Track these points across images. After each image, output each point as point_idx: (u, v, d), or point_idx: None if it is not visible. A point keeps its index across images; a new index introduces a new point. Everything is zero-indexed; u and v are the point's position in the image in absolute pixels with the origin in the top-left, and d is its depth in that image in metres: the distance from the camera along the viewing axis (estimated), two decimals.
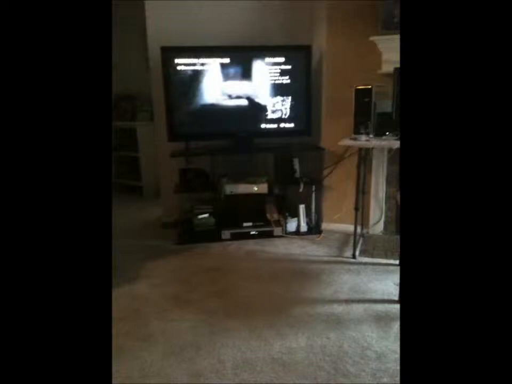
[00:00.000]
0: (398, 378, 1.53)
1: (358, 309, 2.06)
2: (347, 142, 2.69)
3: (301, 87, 3.10)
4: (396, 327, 1.88)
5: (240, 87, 3.07)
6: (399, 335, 1.82)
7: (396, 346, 1.74)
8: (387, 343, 1.76)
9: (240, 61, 3.02)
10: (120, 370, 1.59)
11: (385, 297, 2.17)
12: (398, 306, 2.07)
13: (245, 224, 3.12)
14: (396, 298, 2.13)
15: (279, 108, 3.13)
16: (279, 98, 3.11)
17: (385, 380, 1.53)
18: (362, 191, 2.86)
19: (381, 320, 1.95)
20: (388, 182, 3.08)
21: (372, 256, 2.72)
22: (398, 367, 1.60)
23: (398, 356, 1.67)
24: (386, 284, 2.32)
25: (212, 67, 2.99)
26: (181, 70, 2.97)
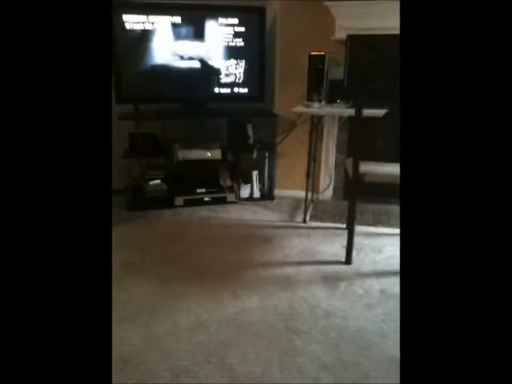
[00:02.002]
0: (346, 334, 1.65)
1: (308, 270, 2.16)
2: (300, 108, 2.71)
3: (255, 51, 3.04)
4: (343, 286, 2.00)
5: (192, 48, 2.95)
6: (345, 294, 1.94)
7: (342, 304, 1.86)
8: (335, 302, 1.88)
9: (192, 20, 2.90)
10: None
11: (333, 258, 2.29)
12: (344, 267, 2.19)
13: (198, 191, 3.10)
14: (343, 260, 2.25)
15: (232, 71, 3.07)
16: (233, 61, 3.04)
17: (333, 335, 1.64)
18: (313, 158, 2.93)
19: (329, 280, 2.06)
20: (338, 150, 3.17)
21: (321, 221, 2.83)
22: (344, 324, 1.72)
23: (344, 313, 1.79)
24: (334, 246, 2.44)
25: (162, 26, 2.84)
26: (129, 28, 2.79)
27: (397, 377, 1.42)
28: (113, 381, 1.39)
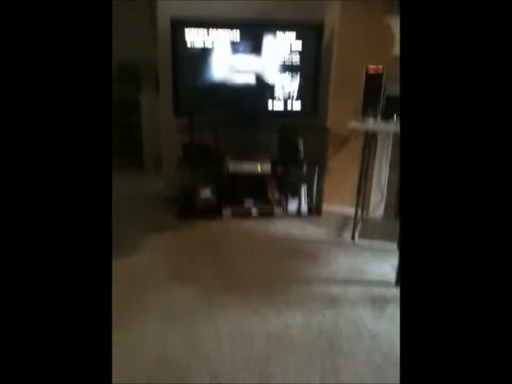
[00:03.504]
0: (390, 357, 1.57)
1: (355, 289, 2.09)
2: (355, 124, 2.67)
3: (311, 65, 3.05)
4: (391, 309, 1.91)
5: (249, 63, 3.02)
6: (393, 316, 1.85)
7: (390, 327, 1.77)
8: (381, 324, 1.79)
9: (250, 35, 2.97)
10: (119, 341, 1.63)
11: (382, 279, 2.20)
12: (393, 289, 2.10)
13: (246, 202, 3.13)
14: (392, 281, 2.16)
15: (287, 86, 3.09)
16: (288, 76, 3.07)
17: (377, 358, 1.57)
18: (365, 175, 2.86)
19: (376, 301, 1.98)
20: (391, 167, 3.08)
21: (371, 239, 2.74)
22: (390, 347, 1.63)
23: (391, 336, 1.71)
24: (384, 266, 2.34)
25: (221, 41, 2.94)
26: (189, 43, 2.92)
27: None
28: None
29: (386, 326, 1.78)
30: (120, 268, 2.20)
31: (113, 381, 0.92)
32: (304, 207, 3.21)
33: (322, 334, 1.71)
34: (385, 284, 2.16)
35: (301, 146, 3.20)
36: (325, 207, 3.26)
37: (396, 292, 2.08)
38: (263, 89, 3.08)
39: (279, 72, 3.06)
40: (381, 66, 2.66)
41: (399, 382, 1.39)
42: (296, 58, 3.03)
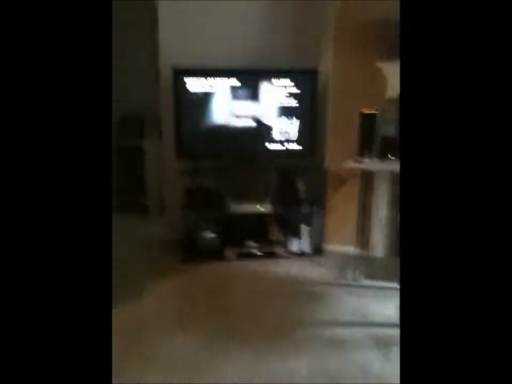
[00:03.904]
0: None
1: (360, 332, 2.08)
2: (351, 164, 2.74)
3: (307, 109, 3.17)
4: (397, 351, 1.90)
5: (247, 108, 3.14)
6: (399, 359, 1.83)
7: (396, 371, 1.75)
8: (388, 367, 1.78)
9: (249, 82, 3.10)
10: None
11: (387, 320, 2.19)
12: (398, 330, 2.08)
13: (248, 243, 3.15)
14: (397, 321, 2.15)
15: (285, 129, 3.20)
16: (285, 119, 3.18)
17: None
18: (364, 213, 2.90)
19: (382, 344, 1.97)
20: (390, 205, 3.12)
21: (374, 279, 2.74)
22: None
23: (398, 380, 1.68)
24: (388, 307, 2.34)
25: (220, 88, 3.07)
26: (191, 91, 3.05)
27: None
28: None
29: (393, 370, 1.76)
30: (123, 313, 2.20)
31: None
32: (306, 247, 3.23)
33: (328, 381, 1.69)
34: (389, 325, 2.15)
35: (300, 186, 3.26)
36: (327, 246, 3.27)
37: None
38: (261, 132, 3.19)
39: (276, 116, 3.17)
40: (375, 110, 2.77)
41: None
42: (293, 103, 3.15)
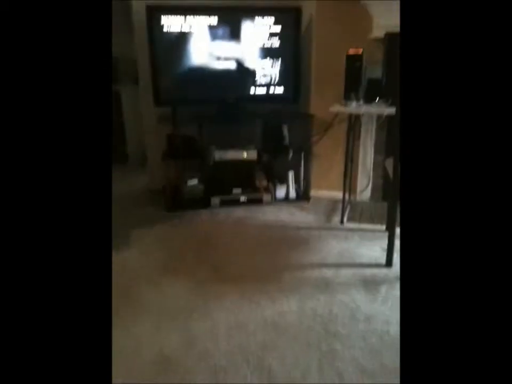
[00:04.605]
0: (386, 339, 1.60)
1: (347, 273, 2.11)
2: (337, 108, 2.67)
3: (291, 51, 3.02)
4: (384, 290, 1.95)
5: (228, 49, 2.97)
6: (386, 298, 1.88)
7: (383, 309, 1.80)
8: (375, 306, 1.82)
9: (229, 21, 2.91)
10: (113, 342, 1.61)
11: (373, 261, 2.23)
12: (385, 270, 2.13)
13: (234, 191, 3.12)
14: (383, 262, 2.19)
15: (268, 71, 3.06)
16: (268, 61, 3.03)
17: (374, 340, 1.60)
18: (351, 159, 2.87)
19: (369, 283, 2.01)
20: (376, 150, 3.10)
21: (360, 222, 2.77)
22: (386, 328, 1.67)
23: (385, 317, 1.74)
24: (374, 248, 2.37)
25: (199, 27, 2.88)
26: (167, 30, 2.84)
27: None
28: (156, 381, 1.42)
29: (381, 308, 1.81)
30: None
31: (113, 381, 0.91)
32: (292, 193, 3.22)
33: (317, 319, 1.73)
34: (376, 265, 2.19)
35: (285, 132, 3.19)
36: (313, 192, 3.27)
37: (387, 272, 2.11)
38: (244, 75, 3.04)
39: (259, 58, 3.02)
40: (361, 49, 2.65)
41: (398, 380, 1.42)
42: (276, 44, 2.99)
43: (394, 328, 1.66)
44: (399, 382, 1.38)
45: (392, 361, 1.48)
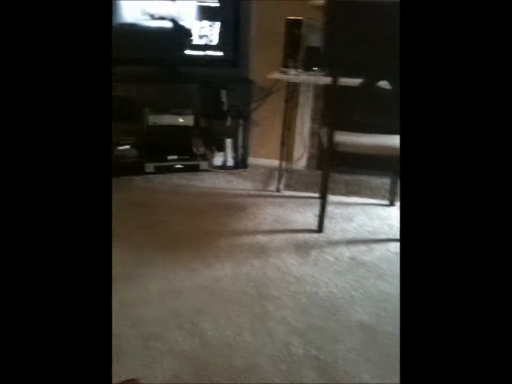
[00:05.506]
0: (315, 300, 1.69)
1: (280, 238, 2.18)
2: (276, 75, 2.65)
3: (230, 12, 2.92)
4: (314, 254, 2.04)
5: (163, 7, 2.80)
6: (316, 261, 1.98)
7: (313, 271, 1.89)
8: (306, 268, 1.91)
9: None
10: None
11: (306, 227, 2.32)
12: (316, 235, 2.23)
13: (169, 157, 3.03)
14: (315, 228, 2.28)
15: (206, 33, 2.94)
16: (207, 22, 2.91)
17: (303, 301, 1.68)
18: (288, 127, 2.90)
19: (300, 248, 2.09)
20: (312, 119, 3.15)
21: (295, 190, 2.84)
22: (315, 290, 1.76)
23: (315, 279, 1.83)
24: (307, 215, 2.46)
25: None
26: None
27: (363, 341, 1.48)
28: None
29: (310, 270, 1.90)
30: None
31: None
32: (230, 161, 3.20)
33: (251, 283, 1.78)
34: (308, 231, 2.28)
35: (224, 98, 3.12)
36: (251, 160, 3.28)
37: (318, 237, 2.21)
38: (180, 36, 2.90)
39: (197, 19, 2.88)
40: (301, 17, 2.63)
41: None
42: (214, 3, 2.87)
43: (323, 290, 1.76)
44: (326, 339, 1.47)
45: (319, 320, 1.57)
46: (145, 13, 2.78)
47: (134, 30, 2.78)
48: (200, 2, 2.84)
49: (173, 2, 2.79)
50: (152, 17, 2.81)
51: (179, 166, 3.03)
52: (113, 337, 1.43)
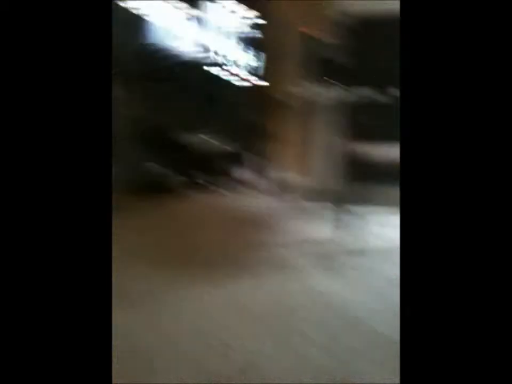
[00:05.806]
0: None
1: (300, 249, 2.19)
2: (293, 89, 2.71)
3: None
4: (338, 263, 2.00)
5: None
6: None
7: (339, 283, 1.84)
8: (329, 281, 1.86)
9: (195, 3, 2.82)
10: None
11: (324, 237, 2.32)
12: (334, 245, 2.19)
13: (195, 175, 3.14)
14: (332, 237, 2.26)
15: (228, 55, 3.00)
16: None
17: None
18: (305, 141, 2.92)
19: (323, 259, 2.05)
20: (330, 132, 3.09)
21: (313, 202, 2.84)
22: None
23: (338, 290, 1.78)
24: (325, 226, 2.44)
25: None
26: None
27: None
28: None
29: (334, 283, 1.84)
30: None
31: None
32: (249, 176, 3.25)
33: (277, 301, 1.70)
34: (326, 241, 2.27)
35: (245, 115, 3.18)
36: (271, 174, 3.31)
37: (337, 247, 2.18)
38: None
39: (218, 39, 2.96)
40: (315, 30, 2.65)
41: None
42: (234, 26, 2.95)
43: None
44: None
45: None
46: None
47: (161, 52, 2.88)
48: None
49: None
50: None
51: (204, 183, 3.13)
52: (145, 352, 1.43)
